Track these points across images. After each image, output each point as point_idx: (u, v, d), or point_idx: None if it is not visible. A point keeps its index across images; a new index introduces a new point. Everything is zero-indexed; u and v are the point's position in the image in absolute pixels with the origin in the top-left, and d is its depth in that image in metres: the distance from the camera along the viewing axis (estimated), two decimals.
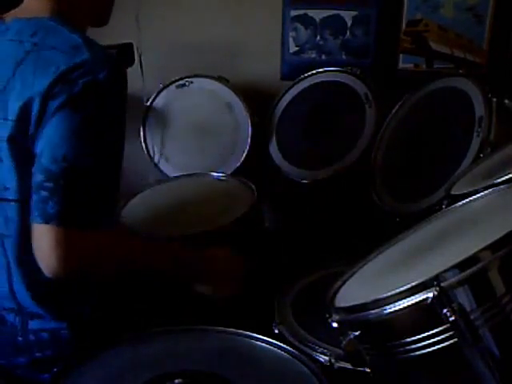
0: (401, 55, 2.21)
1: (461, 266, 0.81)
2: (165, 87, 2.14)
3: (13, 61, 1.12)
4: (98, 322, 1.23)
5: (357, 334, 0.92)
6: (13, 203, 1.13)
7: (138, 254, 1.20)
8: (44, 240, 1.06)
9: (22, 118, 1.08)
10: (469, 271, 0.80)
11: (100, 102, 1.10)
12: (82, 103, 1.08)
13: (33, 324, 1.18)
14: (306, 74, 2.15)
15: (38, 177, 1.07)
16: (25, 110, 1.08)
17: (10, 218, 1.13)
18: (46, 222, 1.04)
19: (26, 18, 1.16)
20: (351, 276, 1.09)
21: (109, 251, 1.15)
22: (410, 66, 2.21)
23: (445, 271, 0.81)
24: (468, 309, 0.81)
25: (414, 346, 0.85)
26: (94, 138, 1.09)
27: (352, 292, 1.03)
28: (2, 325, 1.20)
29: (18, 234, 1.14)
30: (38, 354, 1.19)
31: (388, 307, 0.85)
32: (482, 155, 1.50)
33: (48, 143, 1.07)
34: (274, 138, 2.11)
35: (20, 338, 1.19)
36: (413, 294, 0.83)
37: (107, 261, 1.15)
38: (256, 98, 2.17)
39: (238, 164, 2.05)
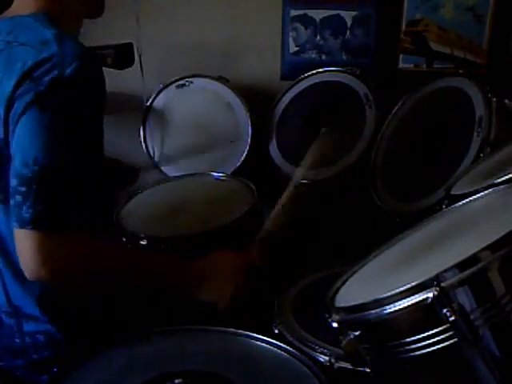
0: (401, 55, 2.21)
1: (461, 266, 0.81)
2: (165, 87, 2.14)
3: None
4: (95, 322, 1.23)
5: (357, 333, 0.92)
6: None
7: (133, 260, 1.17)
8: (23, 245, 1.03)
9: None
10: (469, 271, 0.80)
11: (68, 99, 1.04)
12: (50, 101, 1.03)
13: (28, 326, 1.18)
14: (305, 74, 2.15)
15: (12, 181, 1.04)
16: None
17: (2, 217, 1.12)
18: (22, 227, 1.02)
19: (9, 17, 1.14)
20: (351, 276, 1.09)
21: (96, 254, 1.09)
22: (410, 66, 2.21)
23: (445, 271, 0.81)
24: (468, 309, 0.81)
25: (414, 346, 0.85)
26: (64, 137, 1.04)
27: (352, 292, 1.03)
28: (0, 327, 1.20)
29: (5, 235, 1.13)
30: (34, 356, 1.19)
31: (388, 307, 0.85)
32: (482, 155, 1.50)
33: (19, 146, 1.04)
34: (274, 138, 2.11)
35: (17, 340, 1.19)
36: (413, 294, 0.83)
37: (95, 264, 1.09)
38: (256, 98, 2.17)
39: (238, 164, 2.05)
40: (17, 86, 1.03)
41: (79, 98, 1.06)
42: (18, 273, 1.10)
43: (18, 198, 1.03)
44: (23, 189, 1.02)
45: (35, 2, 1.14)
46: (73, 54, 1.04)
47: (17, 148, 1.04)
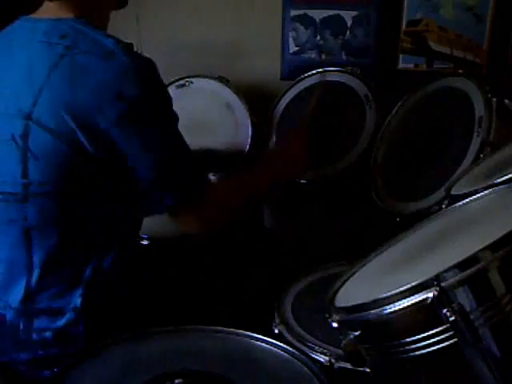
0: (401, 55, 2.21)
1: (461, 265, 0.81)
2: None
3: (46, 63, 1.11)
4: (98, 319, 1.23)
5: (357, 334, 0.92)
6: (45, 197, 1.14)
7: (250, 186, 1.41)
8: (186, 219, 1.28)
9: (64, 123, 1.10)
10: (469, 271, 0.81)
11: (156, 102, 1.19)
12: (144, 110, 1.15)
13: (38, 323, 1.19)
14: (305, 74, 2.14)
15: (144, 184, 1.19)
16: (68, 116, 1.09)
17: (44, 211, 1.15)
18: (181, 203, 1.23)
19: (51, 18, 1.16)
20: (351, 276, 1.09)
21: (228, 198, 1.34)
22: (410, 66, 2.21)
23: (445, 271, 0.81)
24: (468, 309, 0.81)
25: (414, 346, 0.85)
26: (168, 131, 1.23)
27: (352, 292, 1.03)
28: (2, 323, 1.20)
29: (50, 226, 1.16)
30: (40, 352, 1.19)
31: (388, 307, 0.85)
32: (482, 155, 1.50)
33: (137, 157, 1.16)
34: (274, 138, 2.11)
35: (22, 337, 1.19)
36: (413, 294, 0.83)
37: (230, 205, 1.34)
38: (256, 98, 2.17)
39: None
40: (98, 99, 1.09)
41: (162, 98, 1.21)
42: (52, 260, 1.17)
43: (157, 192, 1.21)
44: (161, 181, 1.20)
45: (74, 6, 1.18)
46: (143, 63, 1.17)
47: (135, 159, 1.16)
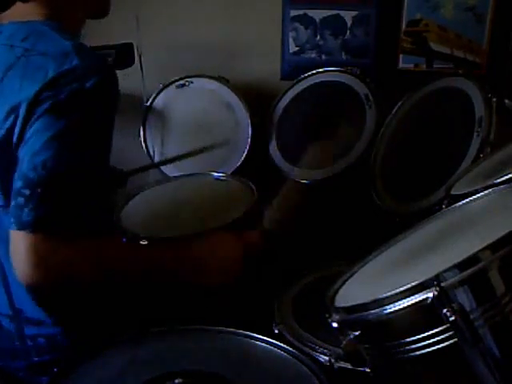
0: (401, 55, 2.21)
1: (461, 266, 0.81)
2: (165, 87, 2.14)
3: (3, 66, 1.10)
4: (96, 323, 1.23)
5: (357, 334, 0.92)
6: (1, 208, 1.12)
7: (132, 261, 1.15)
8: (18, 247, 1.03)
9: (7, 124, 1.07)
10: (469, 271, 0.80)
11: (85, 110, 1.07)
12: (66, 110, 1.05)
13: (28, 330, 1.18)
14: (305, 74, 2.15)
15: (17, 183, 1.05)
16: (11, 116, 1.06)
17: (1, 222, 1.12)
18: (20, 229, 1.02)
19: (19, 21, 1.15)
20: (351, 276, 1.09)
21: (93, 259, 1.09)
22: (410, 66, 2.21)
23: (445, 271, 0.81)
24: (468, 309, 0.81)
25: (414, 346, 0.85)
26: (75, 146, 1.06)
27: (352, 292, 1.03)
28: (0, 330, 1.20)
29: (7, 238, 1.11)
30: (35, 359, 1.19)
31: (388, 307, 0.85)
32: (482, 155, 1.50)
33: (29, 149, 1.05)
34: (274, 138, 2.11)
35: (17, 343, 1.19)
36: (413, 294, 0.83)
37: (92, 269, 1.09)
38: (256, 98, 2.17)
39: (238, 164, 2.05)
40: (37, 95, 1.05)
41: (95, 110, 1.09)
42: None
43: (20, 200, 1.03)
44: (27, 192, 1.03)
45: (44, 7, 1.15)
46: (94, 68, 1.08)
47: (26, 151, 1.05)
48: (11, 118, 1.07)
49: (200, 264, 1.23)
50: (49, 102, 1.04)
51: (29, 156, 1.04)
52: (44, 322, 1.17)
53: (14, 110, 1.06)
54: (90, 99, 1.07)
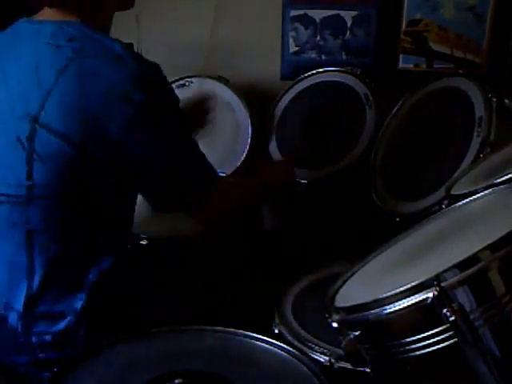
0: (401, 55, 2.21)
1: (461, 265, 0.81)
2: None
3: (54, 66, 1.11)
4: (98, 321, 1.23)
5: (357, 334, 0.92)
6: (49, 200, 1.14)
7: (255, 188, 1.50)
8: (196, 218, 1.33)
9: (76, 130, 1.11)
10: (469, 271, 0.81)
11: (164, 106, 1.19)
12: (154, 113, 1.16)
13: (38, 326, 1.19)
14: (305, 74, 2.14)
15: (158, 187, 1.25)
16: (85, 126, 1.10)
17: (48, 214, 1.15)
18: (201, 193, 1.28)
19: (56, 20, 1.16)
20: (351, 276, 1.09)
21: (237, 195, 1.41)
22: (410, 66, 2.21)
23: (445, 271, 0.81)
24: (468, 309, 0.81)
25: (414, 346, 0.85)
26: (176, 132, 1.24)
27: (352, 292, 1.03)
28: (2, 324, 1.20)
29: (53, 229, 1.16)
30: (41, 355, 1.19)
31: (388, 307, 0.85)
32: (482, 155, 1.50)
33: (146, 162, 1.18)
34: (274, 138, 2.11)
35: (22, 340, 1.19)
36: (413, 294, 0.83)
37: (238, 201, 1.41)
38: (256, 98, 2.17)
39: (238, 164, 2.04)
40: (107, 104, 1.10)
41: (169, 101, 1.22)
42: (54, 264, 1.17)
43: (171, 189, 1.25)
44: (173, 179, 1.24)
45: (77, 11, 1.18)
46: (150, 67, 1.17)
47: (145, 162, 1.18)
48: (77, 123, 1.10)
49: (274, 174, 1.68)
50: (129, 114, 1.11)
51: (153, 162, 1.19)
52: (65, 312, 1.19)
53: (77, 115, 1.10)
54: (162, 96, 1.20)
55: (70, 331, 1.19)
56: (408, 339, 0.85)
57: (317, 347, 1.23)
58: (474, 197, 1.15)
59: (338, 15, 2.20)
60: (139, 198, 1.72)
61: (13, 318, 1.19)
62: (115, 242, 1.25)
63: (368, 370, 0.97)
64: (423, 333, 0.84)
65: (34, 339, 1.19)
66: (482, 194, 1.14)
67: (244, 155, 2.05)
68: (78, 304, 1.19)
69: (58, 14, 1.17)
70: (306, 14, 2.23)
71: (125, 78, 1.11)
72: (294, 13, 2.24)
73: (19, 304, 1.18)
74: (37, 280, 1.17)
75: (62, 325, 1.19)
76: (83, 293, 1.20)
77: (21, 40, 1.18)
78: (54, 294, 1.19)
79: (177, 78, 2.14)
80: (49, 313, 1.19)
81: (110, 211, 1.21)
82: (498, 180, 1.14)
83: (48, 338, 1.18)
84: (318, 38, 2.25)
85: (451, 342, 0.82)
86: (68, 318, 1.19)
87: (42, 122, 1.11)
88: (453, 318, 0.80)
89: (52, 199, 1.14)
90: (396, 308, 0.84)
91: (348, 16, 2.19)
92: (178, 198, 1.27)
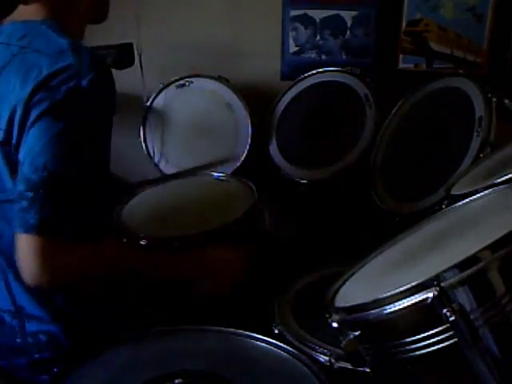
0: (401, 55, 2.21)
1: (461, 266, 0.81)
2: (165, 87, 2.14)
3: (0, 64, 1.11)
4: (96, 323, 1.23)
5: (357, 334, 0.92)
6: (11, 204, 1.11)
7: (133, 262, 1.19)
8: (25, 250, 1.04)
9: (8, 125, 1.08)
10: (469, 271, 0.80)
11: (83, 109, 1.07)
12: (64, 110, 1.05)
13: (30, 326, 1.18)
14: (305, 74, 2.15)
15: (19, 186, 1.05)
16: (10, 117, 1.07)
17: (10, 218, 1.12)
18: (26, 232, 1.03)
19: (19, 21, 1.15)
20: (351, 276, 1.09)
21: (96, 262, 1.13)
22: (410, 66, 2.21)
23: (445, 271, 0.81)
24: (468, 309, 0.81)
25: (414, 346, 0.85)
26: (76, 146, 1.06)
27: (352, 292, 1.03)
28: (1, 326, 1.20)
29: (6, 236, 1.13)
30: (36, 356, 1.19)
31: (388, 307, 0.85)
32: (482, 155, 1.50)
33: (29, 152, 1.05)
34: (274, 138, 2.11)
35: (18, 340, 1.19)
36: (413, 294, 0.83)
37: (94, 271, 1.14)
38: (256, 98, 2.17)
39: (238, 164, 2.05)
40: (33, 93, 1.05)
41: (93, 109, 1.09)
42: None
43: (24, 203, 1.04)
44: (30, 194, 1.03)
45: (45, 8, 1.15)
46: (89, 65, 1.07)
47: (27, 154, 1.06)
48: (10, 121, 1.07)
49: (198, 271, 1.31)
50: (46, 103, 1.04)
51: (29, 158, 1.05)
52: (43, 318, 1.17)
53: (11, 111, 1.07)
54: (86, 98, 1.07)
55: (62, 333, 1.19)
56: (408, 339, 0.85)
57: (317, 347, 1.23)
58: (474, 197, 1.15)
59: (337, 15, 2.20)
60: (139, 197, 1.73)
61: (8, 318, 1.19)
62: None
63: (368, 370, 0.97)
64: (423, 333, 0.83)
65: (29, 339, 1.18)
66: (481, 193, 1.14)
67: (244, 155, 2.05)
68: (65, 309, 1.19)
69: (30, 13, 1.15)
70: (305, 14, 2.23)
71: (56, 69, 1.05)
72: (293, 13, 2.24)
73: (9, 304, 1.18)
74: (13, 282, 1.16)
75: (53, 325, 1.18)
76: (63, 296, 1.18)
77: None
78: (34, 294, 1.17)
79: (177, 77, 2.14)
80: (33, 315, 1.18)
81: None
82: (498, 180, 1.14)
83: (42, 337, 1.18)
84: (318, 37, 2.25)
85: (451, 341, 0.82)
86: (54, 322, 1.18)
87: None
88: (453, 318, 0.80)
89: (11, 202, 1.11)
90: (396, 308, 0.84)
91: (348, 16, 2.20)
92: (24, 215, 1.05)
